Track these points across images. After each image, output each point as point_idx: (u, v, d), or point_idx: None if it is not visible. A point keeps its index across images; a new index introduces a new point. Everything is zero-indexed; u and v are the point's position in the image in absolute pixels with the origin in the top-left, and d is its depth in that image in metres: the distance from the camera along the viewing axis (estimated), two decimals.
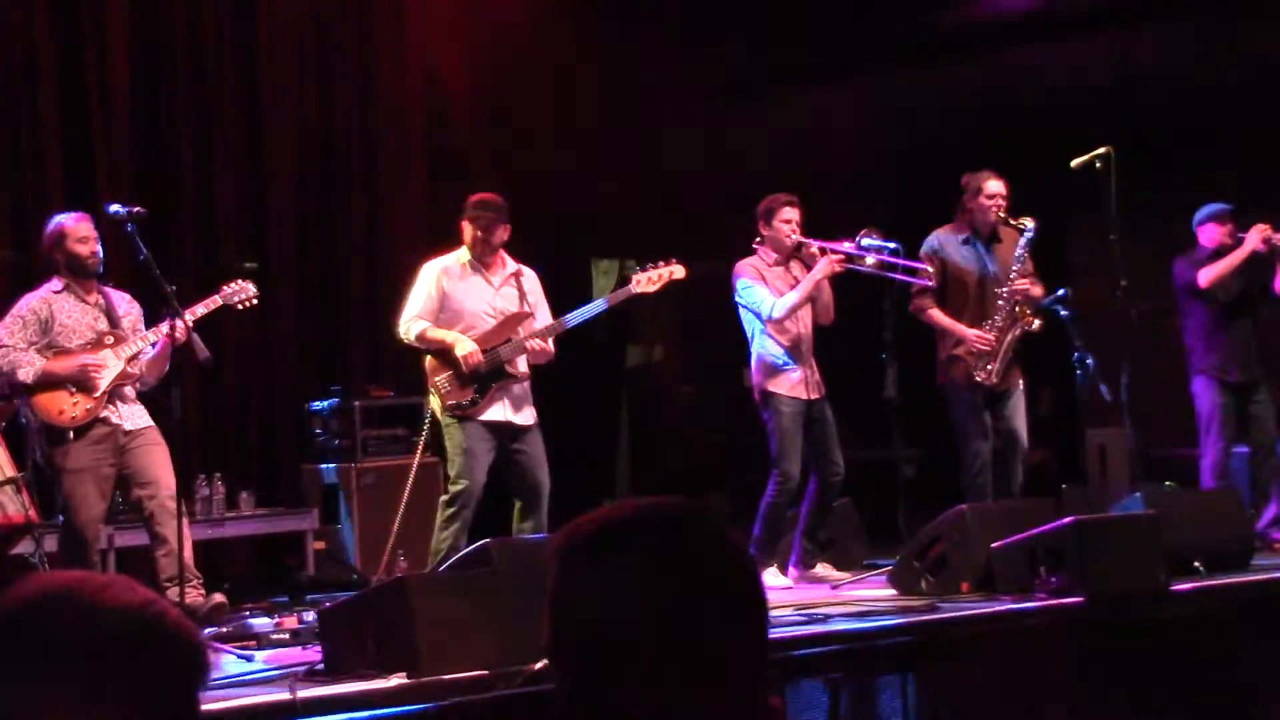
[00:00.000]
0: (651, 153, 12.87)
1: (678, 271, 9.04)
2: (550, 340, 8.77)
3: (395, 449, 10.81)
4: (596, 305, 8.90)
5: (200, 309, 8.34)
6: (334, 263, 11.81)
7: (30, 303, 8.28)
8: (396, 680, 6.04)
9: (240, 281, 8.55)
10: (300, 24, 11.80)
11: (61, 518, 8.18)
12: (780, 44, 12.41)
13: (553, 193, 11.91)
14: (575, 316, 8.86)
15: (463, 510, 8.59)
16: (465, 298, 8.81)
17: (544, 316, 8.93)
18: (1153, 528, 7.77)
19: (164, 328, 8.17)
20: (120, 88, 10.93)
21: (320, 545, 10.39)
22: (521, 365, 8.80)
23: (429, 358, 8.78)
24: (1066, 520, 7.71)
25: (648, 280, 8.99)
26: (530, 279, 8.98)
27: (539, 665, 6.22)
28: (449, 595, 6.44)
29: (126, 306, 8.45)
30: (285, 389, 11.32)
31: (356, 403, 10.87)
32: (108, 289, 8.41)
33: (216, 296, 8.44)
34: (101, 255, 8.29)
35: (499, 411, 8.70)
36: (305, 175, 11.78)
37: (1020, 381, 9.53)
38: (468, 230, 8.82)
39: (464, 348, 8.65)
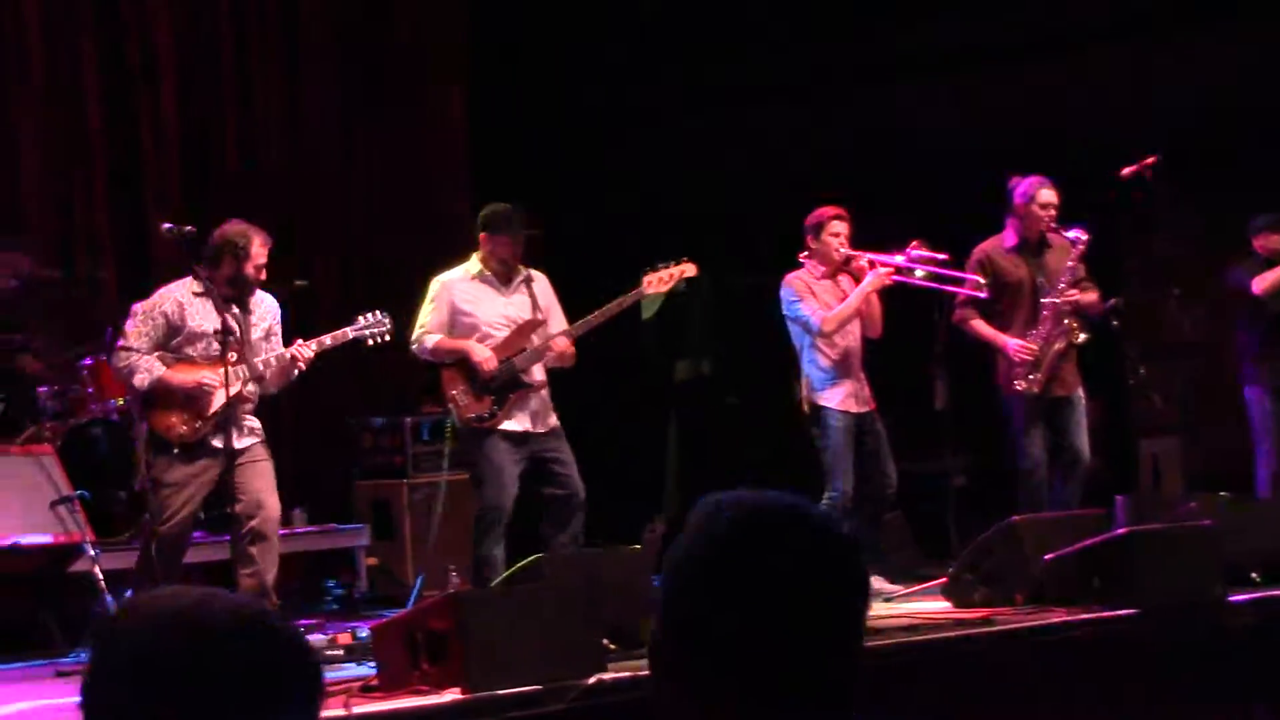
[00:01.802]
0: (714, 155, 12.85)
1: (688, 270, 8.99)
2: (571, 343, 8.73)
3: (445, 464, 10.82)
4: (609, 307, 8.84)
5: (328, 340, 8.18)
6: (382, 278, 11.84)
7: (164, 303, 8.05)
8: (450, 696, 6.05)
9: (376, 314, 8.35)
10: (340, 34, 11.86)
11: (144, 528, 8.13)
12: (858, 43, 12.35)
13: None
14: (590, 320, 8.79)
15: (495, 523, 8.56)
16: (476, 309, 8.78)
17: (557, 321, 8.89)
18: (1209, 538, 7.72)
19: (287, 353, 8.07)
20: (169, 107, 11.01)
21: (372, 561, 10.42)
22: (538, 374, 8.76)
23: (444, 371, 8.76)
24: (1120, 531, 7.66)
25: (659, 280, 8.93)
26: (541, 283, 8.93)
27: (591, 680, 6.22)
28: (501, 610, 6.44)
29: (265, 307, 8.23)
30: (336, 405, 11.35)
31: (407, 419, 10.90)
32: (249, 297, 8.17)
33: (348, 330, 8.28)
34: (264, 277, 8.11)
35: (519, 421, 8.66)
36: (351, 192, 11.83)
37: (1080, 390, 9.47)
38: (485, 242, 8.78)
39: (478, 354, 8.61)
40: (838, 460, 9.19)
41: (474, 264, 8.82)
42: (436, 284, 8.87)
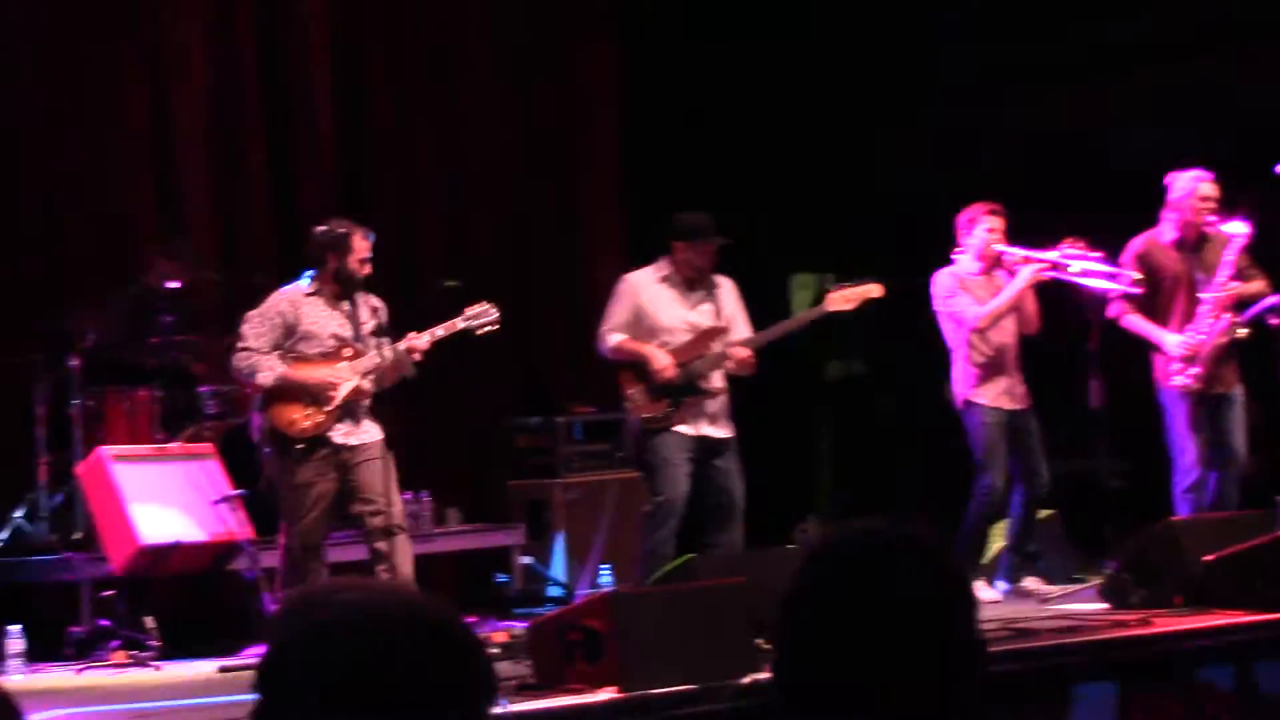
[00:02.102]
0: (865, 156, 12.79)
1: (874, 290, 8.97)
2: (752, 354, 8.76)
3: (599, 464, 10.88)
4: (791, 322, 8.85)
5: (440, 331, 8.28)
6: (536, 278, 11.92)
7: (279, 304, 8.22)
8: (605, 695, 6.08)
9: (483, 305, 8.45)
10: (500, 29, 11.95)
11: (283, 529, 8.28)
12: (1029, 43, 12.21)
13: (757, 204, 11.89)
14: (772, 332, 8.83)
15: (666, 522, 8.60)
16: (661, 312, 8.82)
17: (741, 329, 8.91)
18: None
19: (401, 345, 8.20)
20: (323, 109, 11.15)
21: (527, 560, 10.48)
22: (717, 380, 8.79)
23: (624, 371, 8.81)
24: None
25: (843, 299, 8.94)
26: (727, 289, 8.95)
27: (747, 680, 6.22)
28: (655, 609, 6.47)
29: (370, 313, 8.38)
30: (490, 405, 11.44)
31: (560, 419, 10.96)
32: (357, 294, 8.31)
33: (458, 320, 8.37)
34: (369, 271, 8.23)
35: (695, 425, 8.69)
36: (504, 192, 11.91)
37: (1239, 388, 9.33)
38: (679, 249, 8.80)
39: (658, 361, 8.66)
40: (989, 457, 9.13)
41: (663, 266, 8.86)
42: (624, 282, 8.92)
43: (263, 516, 9.21)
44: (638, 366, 8.73)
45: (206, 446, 9.12)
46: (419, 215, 11.59)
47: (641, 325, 8.80)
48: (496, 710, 5.81)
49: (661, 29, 12.42)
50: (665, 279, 8.85)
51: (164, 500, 8.65)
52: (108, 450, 8.78)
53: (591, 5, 12.37)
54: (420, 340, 8.22)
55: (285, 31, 11.14)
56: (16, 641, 7.97)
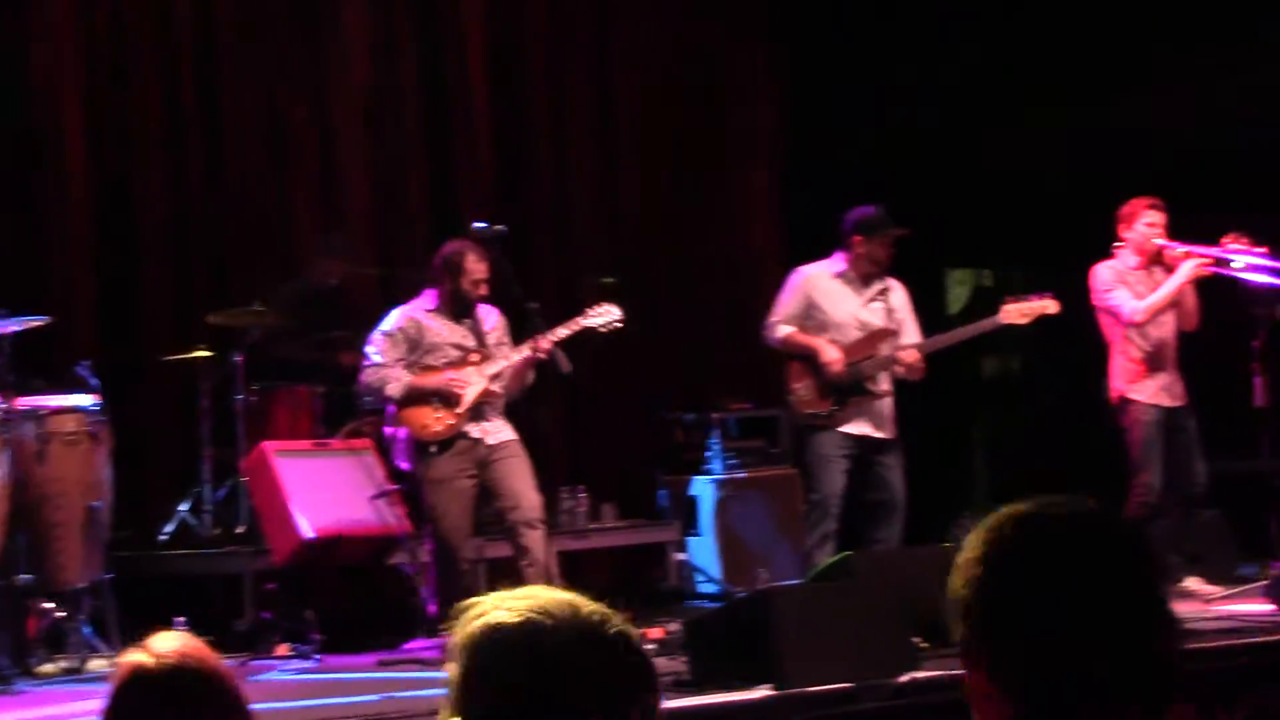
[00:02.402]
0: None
1: (1050, 307, 8.91)
2: (921, 358, 8.72)
3: (755, 461, 10.86)
4: (962, 331, 8.80)
5: (563, 330, 8.42)
6: (693, 276, 11.94)
7: (401, 321, 8.48)
8: (761, 692, 6.08)
9: (605, 305, 8.60)
10: (658, 27, 11.98)
11: (429, 529, 8.41)
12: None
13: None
14: (942, 339, 8.79)
15: (824, 520, 8.58)
16: (832, 308, 8.80)
17: (911, 333, 8.88)
18: None
19: (526, 348, 8.35)
20: (480, 106, 11.25)
21: (682, 557, 10.49)
22: (884, 383, 8.76)
23: (790, 364, 8.79)
24: None
25: (1018, 313, 8.88)
26: (898, 293, 8.93)
27: (903, 678, 6.20)
28: (812, 607, 6.47)
29: (494, 321, 8.59)
30: (646, 402, 11.48)
31: (716, 415, 10.96)
32: (477, 308, 8.55)
33: (580, 319, 8.52)
34: (485, 291, 8.45)
35: (859, 425, 8.67)
36: (659, 187, 11.94)
37: None
38: (857, 244, 8.76)
39: (828, 354, 8.64)
40: (1146, 454, 9.00)
41: (836, 262, 8.84)
42: (798, 274, 8.92)
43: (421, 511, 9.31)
44: (805, 360, 8.70)
45: (365, 442, 9.22)
46: (575, 212, 11.66)
47: (812, 319, 8.78)
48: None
49: (820, 26, 12.37)
50: (840, 275, 8.83)
51: (325, 494, 8.76)
52: (271, 445, 8.91)
53: (751, 2, 12.35)
54: (545, 341, 8.29)
55: (444, 28, 11.25)
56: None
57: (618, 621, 1.94)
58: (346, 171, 10.85)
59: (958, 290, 13.49)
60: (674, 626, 7.86)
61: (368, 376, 8.45)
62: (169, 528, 9.43)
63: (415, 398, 8.35)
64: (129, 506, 9.19)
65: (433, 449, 8.30)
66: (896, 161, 12.18)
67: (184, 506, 9.43)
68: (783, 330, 8.79)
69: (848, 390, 8.65)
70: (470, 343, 8.45)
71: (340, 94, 10.84)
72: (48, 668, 8.05)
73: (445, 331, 8.45)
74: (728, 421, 11.00)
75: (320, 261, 9.93)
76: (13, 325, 8.33)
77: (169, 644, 2.49)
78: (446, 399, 8.32)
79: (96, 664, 8.17)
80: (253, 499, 9.05)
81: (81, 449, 8.17)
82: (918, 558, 7.65)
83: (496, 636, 1.90)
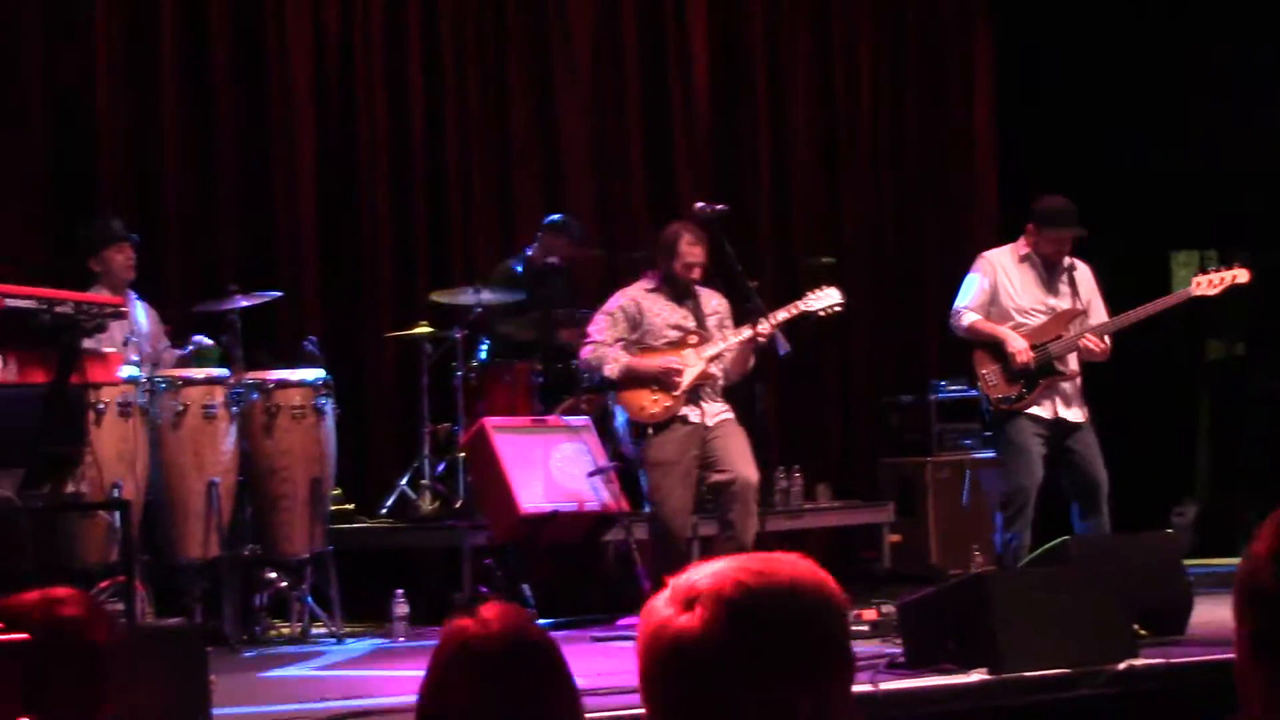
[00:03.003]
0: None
1: (1241, 276, 8.66)
2: (1108, 338, 8.55)
3: (970, 443, 10.77)
4: (1150, 306, 8.59)
5: (783, 314, 8.41)
6: (910, 255, 11.87)
7: (621, 301, 8.56)
8: (976, 676, 6.04)
9: (826, 288, 8.57)
10: (877, 17, 11.91)
11: (648, 508, 8.47)
12: None
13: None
14: (1129, 316, 8.60)
15: (1020, 507, 8.44)
16: (1019, 293, 8.66)
17: (1098, 313, 8.72)
18: None
19: (746, 331, 8.37)
20: (700, 87, 11.27)
21: (896, 538, 10.44)
22: (1072, 363, 8.60)
23: (977, 351, 8.68)
24: None
25: (1208, 283, 8.65)
26: (1083, 273, 8.75)
27: (1122, 666, 6.12)
28: (1028, 591, 6.40)
29: (715, 304, 8.60)
30: (862, 382, 11.44)
31: (932, 396, 10.89)
32: (698, 286, 8.58)
33: (799, 303, 8.50)
34: (698, 275, 8.47)
35: (1048, 408, 8.52)
36: (879, 169, 11.88)
37: None
38: (1033, 233, 8.63)
39: (1014, 344, 8.51)
40: None
41: (1022, 245, 8.71)
42: (982, 260, 8.79)
43: (637, 489, 9.38)
44: (991, 346, 8.60)
45: (583, 419, 9.30)
46: (793, 196, 11.63)
47: (997, 304, 8.67)
48: (859, 689, 5.83)
49: (1038, 19, 12.20)
50: (1024, 259, 8.68)
51: (543, 471, 8.85)
52: (490, 421, 9.02)
53: (970, 26, 12.22)
54: (763, 325, 8.30)
55: (666, 11, 11.29)
56: (401, 605, 8.26)
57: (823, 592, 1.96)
58: (567, 151, 10.94)
59: (1183, 272, 13.24)
60: (888, 608, 7.83)
61: (587, 354, 8.55)
62: (389, 502, 9.60)
63: (633, 379, 8.42)
64: (351, 480, 9.39)
65: (650, 431, 8.35)
66: (1119, 143, 11.99)
67: (403, 480, 9.59)
68: (968, 318, 8.67)
69: (1037, 373, 8.51)
70: (690, 324, 8.49)
71: (563, 77, 10.94)
72: (271, 636, 8.28)
73: (665, 313, 8.50)
74: (944, 403, 10.92)
75: (541, 240, 10.03)
76: (243, 302, 8.55)
77: (495, 613, 2.50)
78: (663, 381, 8.37)
79: (317, 633, 8.38)
80: (471, 474, 9.18)
81: (307, 423, 8.35)
82: (1139, 545, 7.54)
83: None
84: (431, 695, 2.44)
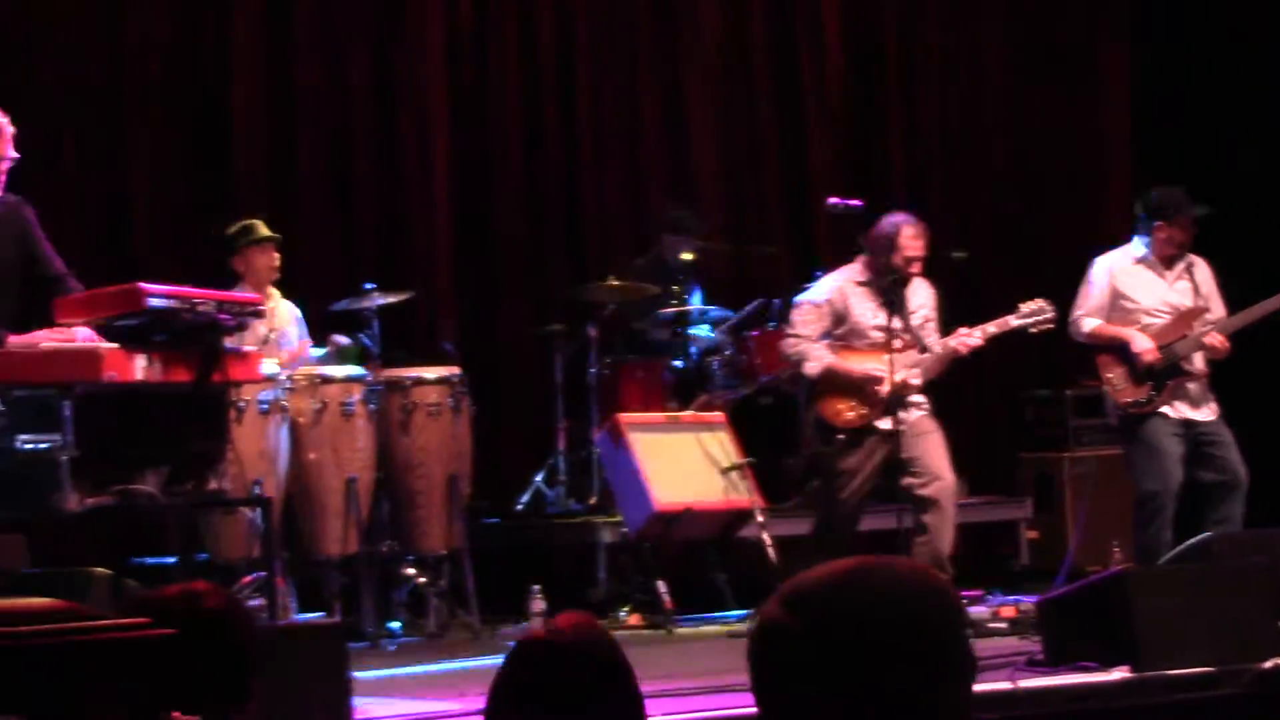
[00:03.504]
0: None
1: None
2: (1226, 336, 8.41)
3: (1109, 439, 10.64)
4: (1271, 303, 8.43)
5: (992, 328, 8.22)
6: (1049, 254, 11.73)
7: (830, 293, 8.27)
8: (1118, 674, 5.98)
9: (1039, 303, 8.34)
10: (1009, 16, 11.82)
11: (820, 504, 8.34)
12: None
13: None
14: (1252, 313, 8.45)
15: (1158, 507, 8.33)
16: (1138, 294, 8.54)
17: (1217, 309, 8.57)
18: None
19: (951, 343, 8.18)
20: (833, 82, 11.24)
21: (1034, 534, 10.35)
22: (1198, 361, 8.47)
23: (1100, 356, 8.57)
24: None
25: None
26: (1202, 269, 8.62)
27: (1268, 664, 6.03)
28: (1170, 589, 6.33)
29: (922, 297, 8.36)
30: (1000, 378, 11.35)
31: (1069, 392, 10.78)
32: (907, 285, 8.29)
33: (1010, 318, 8.29)
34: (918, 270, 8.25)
35: (1178, 408, 8.40)
36: (1005, 169, 11.78)
37: None
38: (1158, 229, 8.50)
39: (1140, 344, 8.39)
40: None
41: (1137, 247, 8.59)
42: (1097, 267, 8.68)
43: (773, 485, 9.37)
44: (1115, 350, 8.48)
45: (718, 415, 9.29)
46: (927, 192, 11.53)
47: (1118, 308, 8.54)
48: (998, 686, 5.78)
49: (1176, 30, 12.03)
50: (1141, 260, 8.56)
51: (677, 467, 8.85)
52: (625, 417, 9.04)
53: (1106, 6, 12.06)
54: (971, 339, 8.17)
55: (797, 12, 11.25)
56: (538, 601, 8.31)
57: (938, 589, 1.96)
58: (698, 147, 10.94)
59: None
60: (1026, 605, 7.76)
61: (788, 347, 8.33)
62: (524, 498, 9.65)
63: (833, 382, 8.19)
64: (486, 476, 9.45)
65: (840, 436, 8.17)
66: (1256, 159, 11.80)
67: (539, 477, 9.64)
68: (1089, 324, 8.55)
69: (1164, 374, 8.37)
70: (896, 325, 8.19)
71: (691, 73, 10.94)
72: (408, 632, 8.35)
73: (870, 312, 8.23)
74: (1083, 398, 10.80)
75: (665, 237, 10.05)
76: (380, 300, 8.63)
77: (565, 619, 2.56)
78: (864, 392, 8.13)
79: (455, 628, 8.44)
80: (606, 470, 9.20)
81: (443, 420, 8.42)
82: None
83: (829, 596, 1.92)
84: (499, 701, 2.50)
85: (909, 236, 8.17)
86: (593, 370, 9.49)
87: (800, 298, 8.41)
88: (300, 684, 5.23)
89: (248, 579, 7.49)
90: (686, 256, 9.85)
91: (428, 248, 10.18)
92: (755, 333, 9.78)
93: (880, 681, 1.90)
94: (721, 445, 9.01)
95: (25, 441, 5.84)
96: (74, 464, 5.87)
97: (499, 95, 10.44)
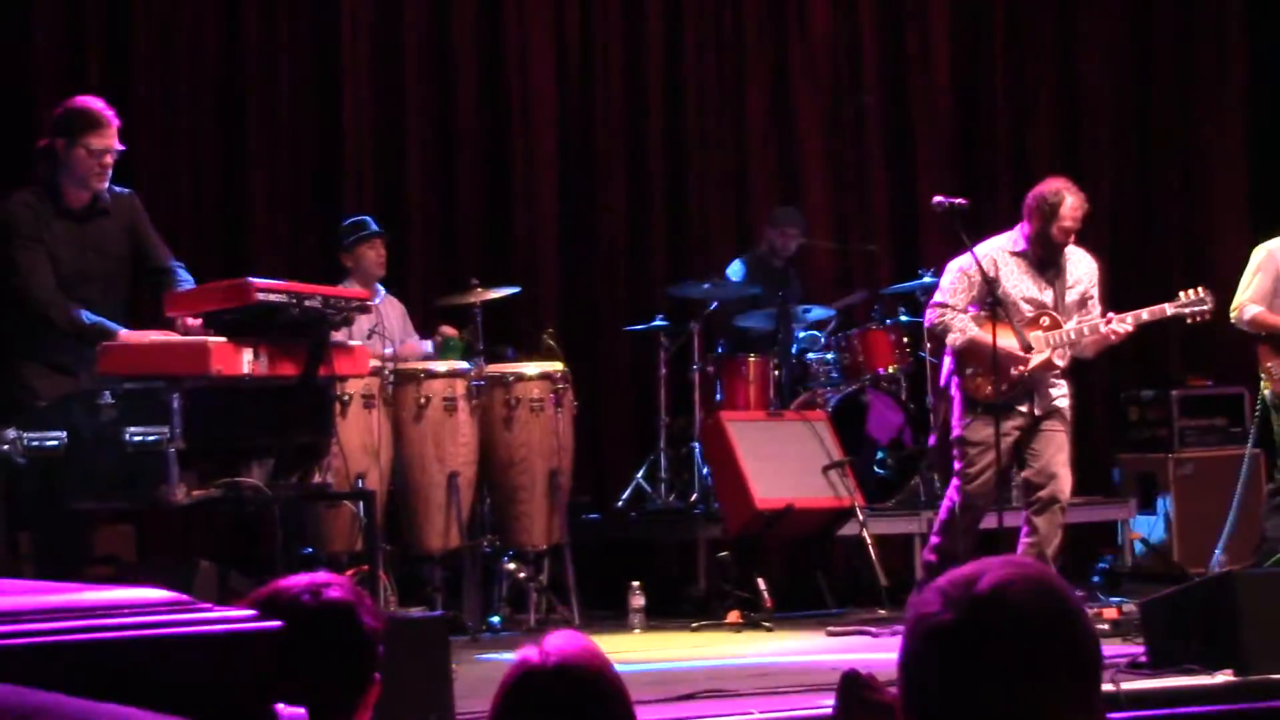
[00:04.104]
0: None
1: None
2: None
3: (1213, 439, 10.54)
4: None
5: (1145, 315, 8.02)
6: (1154, 252, 11.64)
7: (980, 261, 7.98)
8: (1222, 677, 5.92)
9: (1198, 292, 8.10)
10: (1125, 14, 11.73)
11: (953, 484, 8.16)
12: None
13: None
14: None
15: None
16: None
17: None
18: None
19: (1101, 325, 7.94)
20: (940, 78, 11.20)
21: (1137, 535, 10.27)
22: None
23: (1261, 344, 8.45)
24: None
25: None
26: None
27: None
28: (1277, 592, 6.25)
29: (1080, 271, 8.10)
30: (1103, 377, 11.26)
31: (1173, 391, 10.69)
32: (1063, 258, 8.06)
33: (1168, 306, 8.08)
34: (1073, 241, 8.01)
35: None
36: (1123, 161, 11.68)
37: None
38: None
39: None
40: None
41: None
42: (1261, 251, 8.53)
43: (872, 485, 9.35)
44: (1277, 339, 8.36)
45: (819, 413, 9.29)
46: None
47: (1278, 295, 8.43)
48: (1105, 688, 5.74)
49: None
50: None
51: (778, 464, 8.85)
52: (726, 414, 9.05)
53: (1223, 3, 11.92)
54: (1123, 325, 7.94)
55: (905, 11, 11.22)
56: (638, 597, 8.33)
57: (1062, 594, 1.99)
58: (804, 145, 10.93)
59: None
60: (1129, 607, 7.71)
61: (932, 315, 8.13)
62: (625, 494, 9.68)
63: (974, 354, 7.93)
64: (587, 472, 9.49)
65: (979, 409, 7.96)
66: None
67: (640, 473, 9.67)
68: (1250, 310, 8.43)
69: None
70: (1047, 299, 8.01)
71: (799, 68, 10.94)
72: (510, 626, 8.39)
73: (1024, 283, 7.99)
74: (1188, 398, 10.70)
75: (768, 233, 10.06)
76: (484, 295, 8.68)
77: (560, 644, 2.57)
78: (1005, 365, 7.86)
79: (554, 623, 8.47)
80: (707, 467, 9.21)
81: (546, 415, 8.46)
82: None
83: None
84: None
85: (1071, 206, 7.89)
86: (695, 367, 9.51)
87: (950, 264, 8.19)
88: (403, 677, 5.27)
89: (350, 572, 7.56)
90: (791, 247, 9.86)
91: (532, 244, 10.23)
92: (857, 331, 9.77)
93: (1035, 681, 1.93)
94: (822, 443, 9.01)
95: (134, 434, 5.92)
96: (181, 456, 5.94)
97: (604, 95, 10.48)
